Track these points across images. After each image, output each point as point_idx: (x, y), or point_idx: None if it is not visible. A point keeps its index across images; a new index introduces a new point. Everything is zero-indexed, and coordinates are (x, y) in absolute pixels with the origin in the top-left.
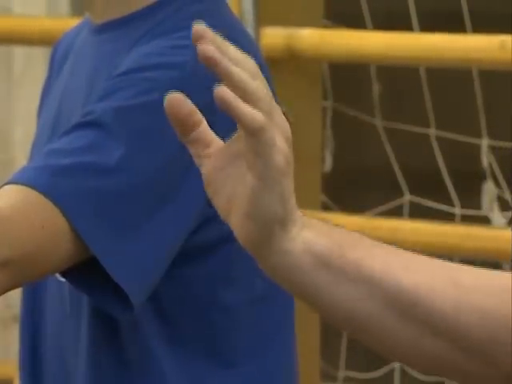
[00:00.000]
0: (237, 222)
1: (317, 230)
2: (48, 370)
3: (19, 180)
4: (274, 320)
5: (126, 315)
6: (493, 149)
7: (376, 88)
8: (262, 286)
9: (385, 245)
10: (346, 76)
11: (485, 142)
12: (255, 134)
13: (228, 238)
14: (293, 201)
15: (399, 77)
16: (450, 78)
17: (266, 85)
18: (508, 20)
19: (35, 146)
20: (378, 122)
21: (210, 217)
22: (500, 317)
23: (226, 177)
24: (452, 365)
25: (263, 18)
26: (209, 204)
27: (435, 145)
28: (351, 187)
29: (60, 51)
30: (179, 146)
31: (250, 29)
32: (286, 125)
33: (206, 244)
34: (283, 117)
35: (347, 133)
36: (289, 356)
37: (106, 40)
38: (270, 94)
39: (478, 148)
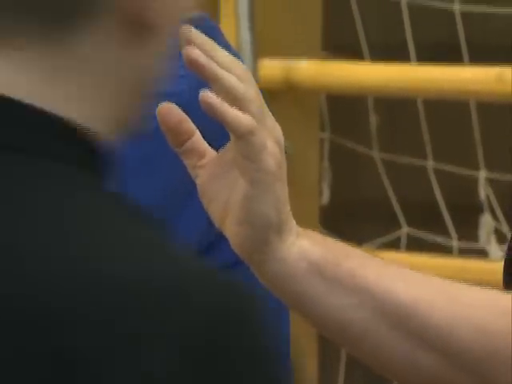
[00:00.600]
0: (231, 229)
1: (312, 240)
2: None
3: None
4: None
5: None
6: (490, 181)
7: (373, 120)
8: None
9: (378, 258)
10: (344, 107)
11: (482, 175)
12: (244, 138)
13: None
14: (288, 209)
15: (397, 108)
16: (448, 110)
17: (257, 89)
18: (505, 52)
19: None
20: (376, 154)
21: None
22: (499, 336)
23: (220, 186)
24: (447, 382)
25: (261, 49)
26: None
27: (433, 177)
28: (349, 219)
29: None
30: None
31: (247, 60)
32: (278, 129)
33: None
34: (275, 121)
35: (345, 165)
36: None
37: None
38: (261, 98)
39: (475, 180)
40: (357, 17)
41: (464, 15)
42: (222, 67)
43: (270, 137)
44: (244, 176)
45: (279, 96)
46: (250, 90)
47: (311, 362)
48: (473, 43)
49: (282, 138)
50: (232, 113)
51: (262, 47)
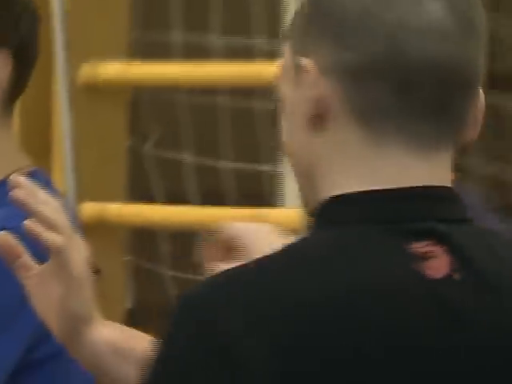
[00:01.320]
0: (51, 322)
1: (111, 326)
2: None
3: None
4: None
5: None
6: None
7: (165, 248)
8: None
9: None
10: (143, 240)
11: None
12: (56, 252)
13: (51, 357)
14: (93, 305)
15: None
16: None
17: (66, 219)
18: None
19: None
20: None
21: (37, 343)
22: None
23: (44, 290)
24: None
25: (82, 195)
26: (35, 343)
27: None
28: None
29: None
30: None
31: (71, 202)
32: (84, 248)
33: (34, 362)
34: (82, 242)
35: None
36: None
37: None
38: (70, 226)
39: None
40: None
41: None
42: (41, 203)
43: (77, 253)
44: (59, 282)
45: (94, 229)
46: (60, 219)
47: None
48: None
49: (86, 254)
50: (47, 235)
51: (83, 194)
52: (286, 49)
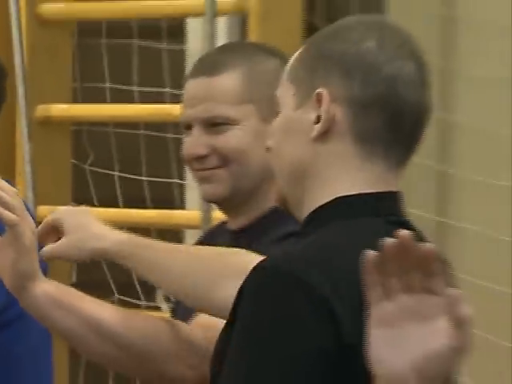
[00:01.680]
0: (5, 278)
1: (51, 283)
2: None
3: None
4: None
5: None
6: None
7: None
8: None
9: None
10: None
11: None
12: (12, 226)
13: (15, 319)
14: (37, 266)
15: None
16: None
17: (20, 201)
18: None
19: None
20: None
21: (5, 308)
22: (152, 339)
23: (2, 257)
24: (117, 361)
25: (37, 201)
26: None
27: None
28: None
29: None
30: None
31: (31, 205)
32: (33, 224)
33: (4, 322)
34: (31, 219)
35: None
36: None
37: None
38: (23, 207)
39: None
40: None
41: None
42: (1, 190)
43: (27, 227)
44: (13, 249)
45: None
46: (14, 202)
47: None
48: None
49: (35, 229)
50: (4, 212)
51: (39, 201)
52: (286, 82)
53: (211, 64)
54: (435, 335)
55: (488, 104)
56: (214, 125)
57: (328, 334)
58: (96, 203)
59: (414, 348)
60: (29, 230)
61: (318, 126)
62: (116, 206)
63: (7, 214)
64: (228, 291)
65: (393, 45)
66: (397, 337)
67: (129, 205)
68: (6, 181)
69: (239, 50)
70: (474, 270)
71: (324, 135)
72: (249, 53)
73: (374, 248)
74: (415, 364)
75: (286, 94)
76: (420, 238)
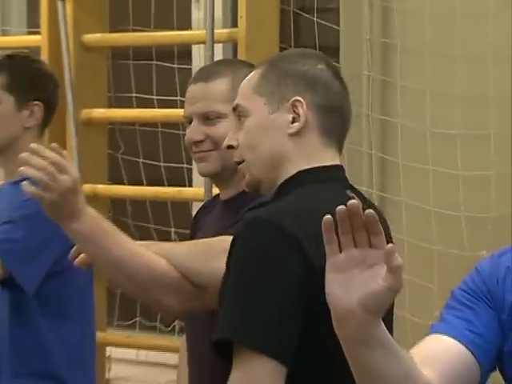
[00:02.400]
0: (47, 209)
1: (87, 222)
2: None
3: None
4: (77, 290)
5: (25, 298)
6: None
7: None
8: (82, 280)
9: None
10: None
11: None
12: (70, 182)
13: (65, 268)
14: (82, 202)
15: None
16: None
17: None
18: None
19: None
20: None
21: (58, 261)
22: (152, 276)
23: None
24: (128, 289)
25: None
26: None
27: None
28: None
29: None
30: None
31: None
32: (74, 174)
33: (55, 270)
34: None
35: None
36: (93, 315)
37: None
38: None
39: None
40: None
41: None
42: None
43: (79, 182)
44: (72, 195)
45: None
46: (71, 165)
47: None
48: None
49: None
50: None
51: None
52: (252, 95)
53: (207, 73)
54: (376, 279)
55: (416, 109)
56: (208, 118)
57: (297, 259)
58: (126, 182)
59: (359, 288)
60: (79, 184)
61: (296, 125)
62: (141, 184)
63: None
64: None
65: (332, 69)
66: (347, 280)
67: (150, 183)
68: None
69: (228, 63)
70: (407, 231)
71: (299, 131)
72: (235, 66)
73: (332, 201)
74: (360, 300)
75: (254, 104)
76: (362, 197)
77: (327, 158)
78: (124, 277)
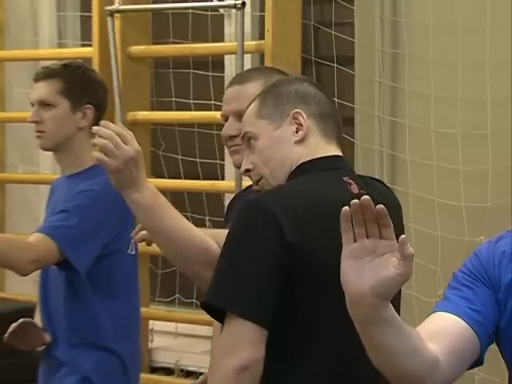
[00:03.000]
0: (112, 177)
1: (144, 195)
2: (50, 308)
3: (40, 231)
4: (124, 272)
5: (78, 278)
6: None
7: None
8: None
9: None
10: None
11: None
12: (134, 151)
13: (114, 251)
14: (143, 175)
15: None
16: None
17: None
18: None
19: (45, 218)
20: None
21: (108, 245)
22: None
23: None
24: (173, 259)
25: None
26: (111, 240)
27: None
28: None
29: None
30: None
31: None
32: (131, 151)
33: (105, 253)
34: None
35: None
36: (138, 292)
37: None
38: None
39: None
40: None
41: None
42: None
43: (141, 154)
44: (133, 165)
45: None
46: (133, 138)
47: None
48: None
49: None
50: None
51: None
52: (256, 120)
53: (242, 77)
54: (387, 266)
55: (422, 111)
56: (242, 116)
57: (274, 234)
58: (166, 176)
59: (371, 274)
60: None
61: (300, 133)
62: (179, 178)
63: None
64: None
65: (315, 86)
66: (359, 267)
67: (187, 177)
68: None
69: (260, 69)
70: (414, 219)
71: (303, 137)
72: (267, 72)
73: (324, 187)
74: (372, 285)
75: (260, 127)
76: (364, 184)
77: (329, 151)
78: (172, 247)
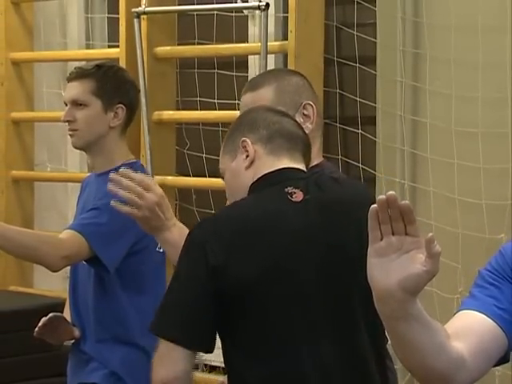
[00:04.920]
0: (142, 224)
1: (170, 234)
2: (79, 303)
3: (71, 228)
4: (152, 270)
5: (107, 274)
6: None
7: None
8: (157, 257)
9: None
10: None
11: None
12: (161, 196)
13: (143, 249)
14: (171, 214)
15: None
16: None
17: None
18: None
19: (75, 215)
20: None
21: (137, 242)
22: None
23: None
24: None
25: (155, 171)
26: (137, 239)
27: None
28: None
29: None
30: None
31: (150, 176)
32: (155, 199)
33: (134, 250)
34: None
35: None
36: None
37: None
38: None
39: None
40: None
41: None
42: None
43: (164, 197)
44: (160, 212)
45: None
46: (154, 183)
47: None
48: None
49: (162, 198)
50: (146, 194)
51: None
52: (222, 157)
53: (254, 83)
54: (414, 263)
55: (443, 110)
56: None
57: (200, 262)
58: (191, 174)
59: (398, 271)
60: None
61: (248, 159)
62: (204, 176)
63: (147, 194)
64: None
65: (271, 110)
66: (386, 264)
67: (212, 175)
68: (135, 162)
69: (273, 73)
70: (435, 217)
71: (251, 161)
72: (278, 75)
73: (259, 206)
74: (400, 281)
75: (224, 162)
76: (320, 185)
77: (277, 166)
78: None
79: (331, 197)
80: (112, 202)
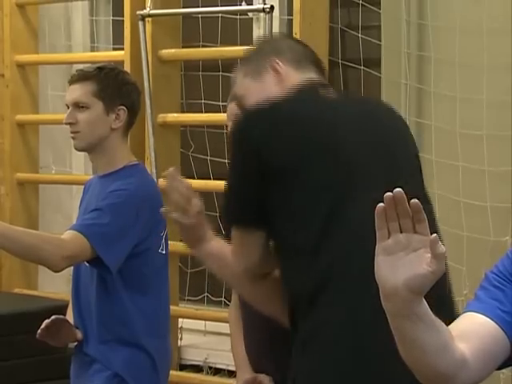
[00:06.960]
0: (184, 234)
1: (210, 245)
2: (82, 304)
3: (73, 228)
4: (156, 273)
5: (109, 275)
6: None
7: None
8: (159, 260)
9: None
10: None
11: None
12: (196, 211)
13: (145, 250)
14: (208, 228)
15: None
16: None
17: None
18: None
19: (78, 216)
20: None
21: (139, 244)
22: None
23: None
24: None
25: (159, 174)
26: (140, 240)
27: None
28: None
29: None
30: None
31: (154, 178)
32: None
33: (136, 252)
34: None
35: None
36: (168, 291)
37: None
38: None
39: None
40: None
41: None
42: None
43: (198, 210)
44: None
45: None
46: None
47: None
48: None
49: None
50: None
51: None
52: (245, 76)
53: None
54: (421, 262)
55: (447, 112)
56: None
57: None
58: (195, 177)
59: (405, 270)
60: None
61: (278, 77)
62: (208, 178)
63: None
64: None
65: (285, 36)
66: (393, 262)
67: (216, 178)
68: (138, 164)
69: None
70: (440, 219)
71: (280, 80)
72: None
73: None
74: (406, 281)
75: (246, 84)
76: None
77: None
78: (228, 273)
79: (353, 104)
80: (162, 209)
